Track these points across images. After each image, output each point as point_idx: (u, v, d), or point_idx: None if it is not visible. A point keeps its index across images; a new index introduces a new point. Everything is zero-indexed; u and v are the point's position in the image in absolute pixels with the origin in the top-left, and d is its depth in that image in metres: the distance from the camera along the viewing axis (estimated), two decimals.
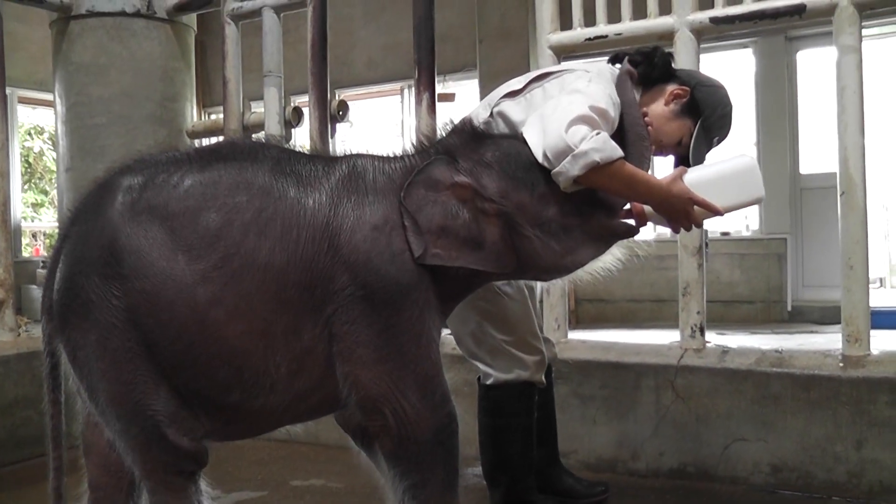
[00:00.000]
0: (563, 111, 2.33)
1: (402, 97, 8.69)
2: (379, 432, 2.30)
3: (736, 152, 2.63)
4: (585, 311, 7.50)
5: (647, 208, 2.48)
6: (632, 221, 2.52)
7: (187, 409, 2.23)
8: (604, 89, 2.48)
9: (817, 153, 7.14)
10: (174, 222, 2.16)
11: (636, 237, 2.54)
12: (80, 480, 2.45)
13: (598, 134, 2.27)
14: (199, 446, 2.28)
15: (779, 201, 7.10)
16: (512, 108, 2.67)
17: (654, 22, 3.93)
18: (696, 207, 2.44)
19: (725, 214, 2.51)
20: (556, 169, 2.29)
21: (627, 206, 2.52)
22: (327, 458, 4.02)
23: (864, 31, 3.59)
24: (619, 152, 2.30)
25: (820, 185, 6.96)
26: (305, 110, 4.70)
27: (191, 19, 5.33)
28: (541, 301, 3.57)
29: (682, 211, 2.44)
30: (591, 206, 2.41)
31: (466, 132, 2.45)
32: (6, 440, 4.29)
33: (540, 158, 2.33)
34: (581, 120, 2.29)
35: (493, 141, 2.43)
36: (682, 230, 2.53)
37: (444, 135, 2.50)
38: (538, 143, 2.34)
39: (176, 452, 2.23)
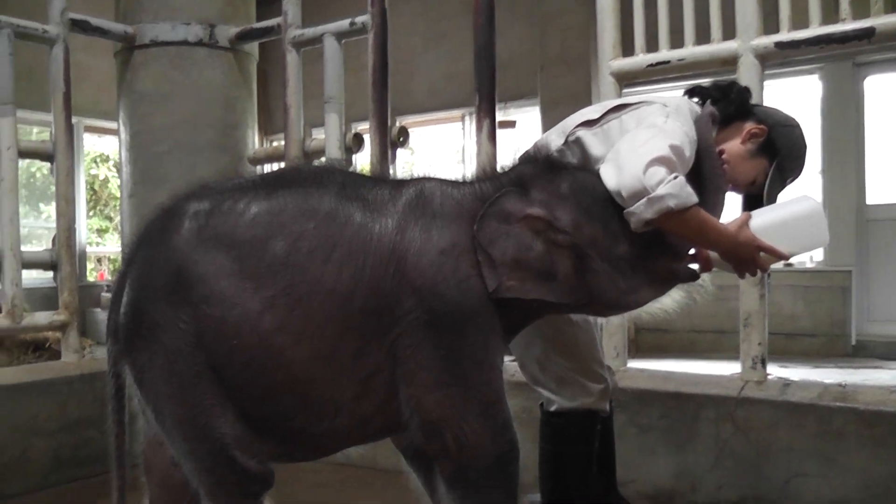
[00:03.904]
0: (643, 150, 2.31)
1: (463, 124, 8.74)
2: (439, 456, 2.29)
3: (799, 193, 2.61)
4: (645, 341, 7.40)
5: (714, 254, 2.48)
6: (696, 266, 2.50)
7: (253, 432, 2.22)
8: (681, 126, 2.45)
9: (885, 183, 6.98)
10: (241, 250, 2.17)
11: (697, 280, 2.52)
12: (140, 499, 2.48)
13: (675, 178, 2.26)
14: (266, 468, 2.27)
15: (844, 233, 6.89)
16: (590, 139, 2.65)
17: (718, 47, 3.86)
18: (762, 253, 2.43)
19: (791, 258, 2.49)
20: (630, 209, 2.28)
21: (693, 251, 2.51)
22: (384, 482, 3.99)
23: None
24: (694, 199, 2.28)
25: (887, 216, 6.80)
26: (366, 136, 4.73)
27: (252, 48, 5.39)
28: (600, 329, 3.52)
29: (748, 258, 2.44)
30: (659, 247, 2.39)
31: (540, 161, 2.44)
32: (70, 458, 4.38)
33: (614, 195, 2.32)
34: (659, 161, 2.27)
35: (568, 172, 2.41)
36: (748, 275, 2.51)
37: (515, 162, 2.49)
38: (614, 180, 2.32)
39: (244, 474, 2.23)
